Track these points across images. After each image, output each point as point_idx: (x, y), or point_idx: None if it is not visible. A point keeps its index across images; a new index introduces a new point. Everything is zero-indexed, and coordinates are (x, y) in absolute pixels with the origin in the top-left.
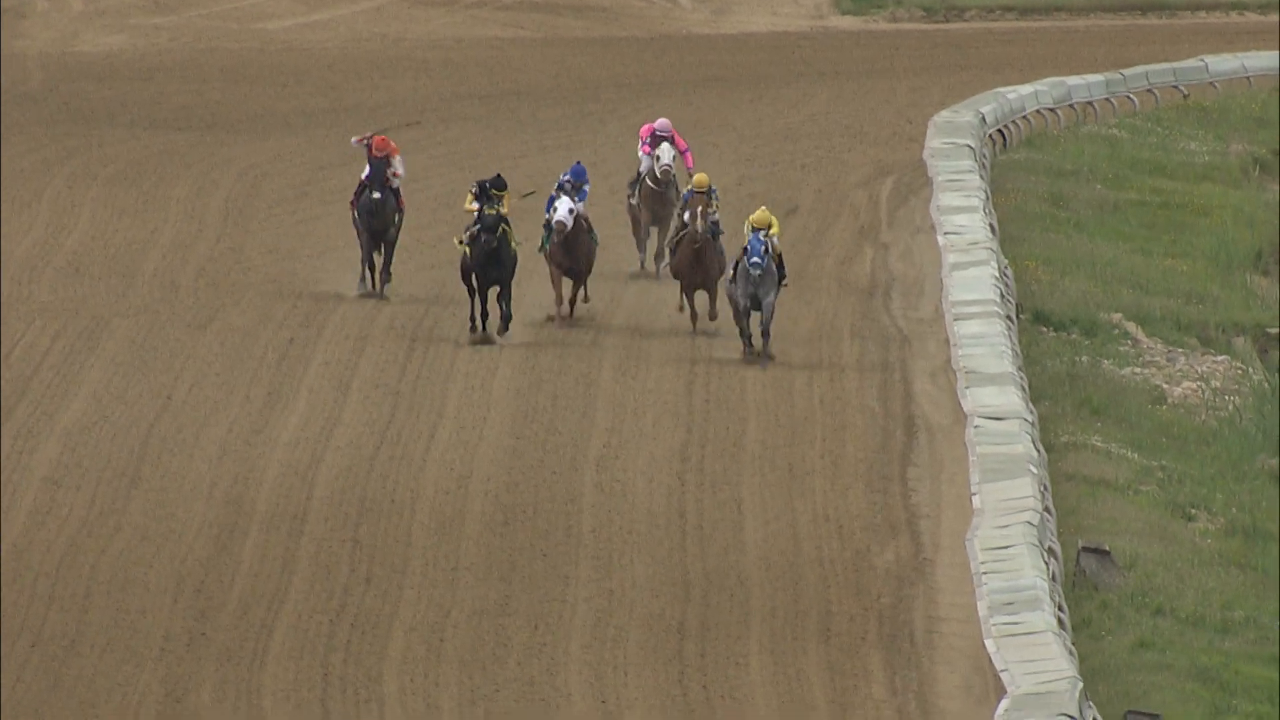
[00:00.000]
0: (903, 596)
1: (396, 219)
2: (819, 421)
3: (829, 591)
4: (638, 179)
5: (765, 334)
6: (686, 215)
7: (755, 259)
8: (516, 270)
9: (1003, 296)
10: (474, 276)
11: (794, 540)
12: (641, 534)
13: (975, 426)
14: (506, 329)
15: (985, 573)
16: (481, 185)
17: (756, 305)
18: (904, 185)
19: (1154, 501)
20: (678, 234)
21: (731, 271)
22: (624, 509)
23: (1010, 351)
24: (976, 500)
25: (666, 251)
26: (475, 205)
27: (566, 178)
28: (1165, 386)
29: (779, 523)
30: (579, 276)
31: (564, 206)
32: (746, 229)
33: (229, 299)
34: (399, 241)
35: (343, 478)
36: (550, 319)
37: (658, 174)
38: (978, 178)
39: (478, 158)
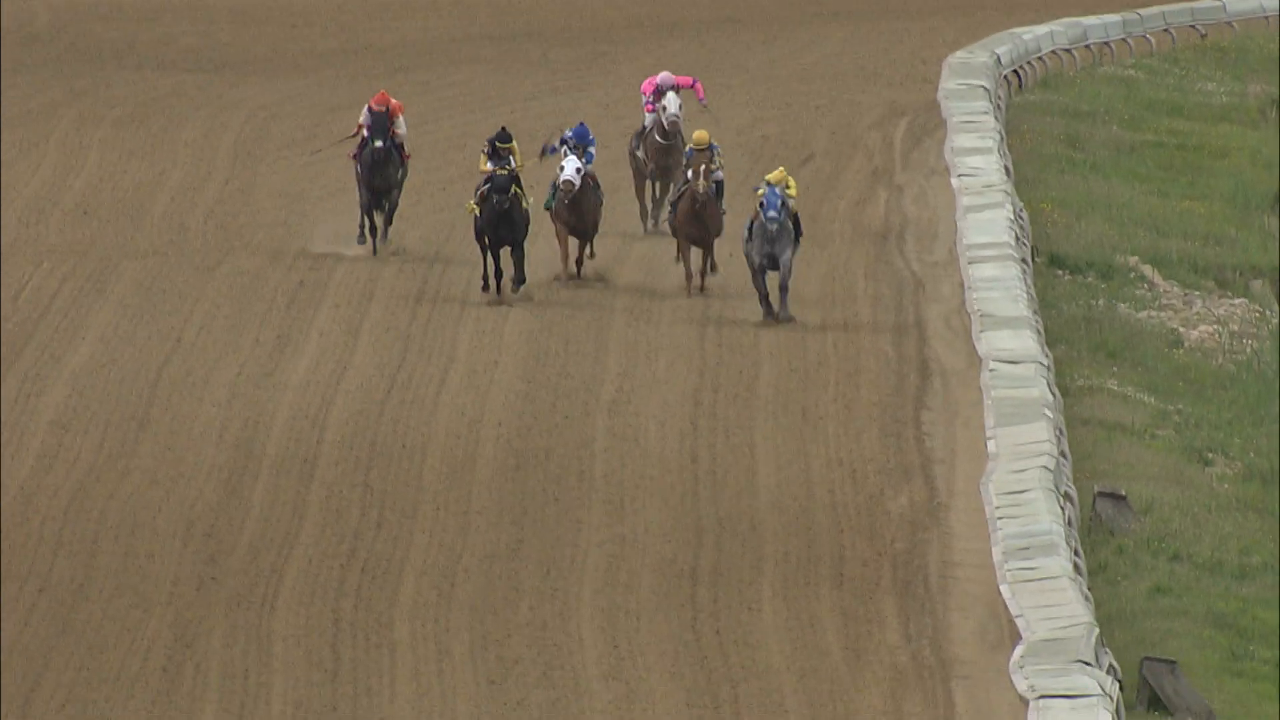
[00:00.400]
0: (917, 541)
1: (400, 176)
2: (832, 366)
3: (842, 536)
4: (642, 132)
5: (784, 290)
6: (690, 173)
7: (772, 213)
8: (529, 229)
9: (1018, 239)
10: (486, 237)
11: (807, 485)
12: (654, 479)
13: (990, 370)
14: (518, 289)
15: (1000, 518)
16: (492, 143)
17: (774, 264)
18: (918, 127)
19: (1170, 446)
20: (679, 191)
21: (746, 230)
22: (636, 453)
23: (1025, 295)
24: (991, 444)
25: (667, 205)
26: (489, 166)
27: (569, 135)
28: (1182, 330)
29: (792, 468)
30: (585, 235)
31: (570, 165)
32: (762, 186)
33: (238, 241)
34: (401, 203)
35: (353, 421)
36: (557, 278)
37: (665, 125)
38: (993, 119)
39: (488, 100)
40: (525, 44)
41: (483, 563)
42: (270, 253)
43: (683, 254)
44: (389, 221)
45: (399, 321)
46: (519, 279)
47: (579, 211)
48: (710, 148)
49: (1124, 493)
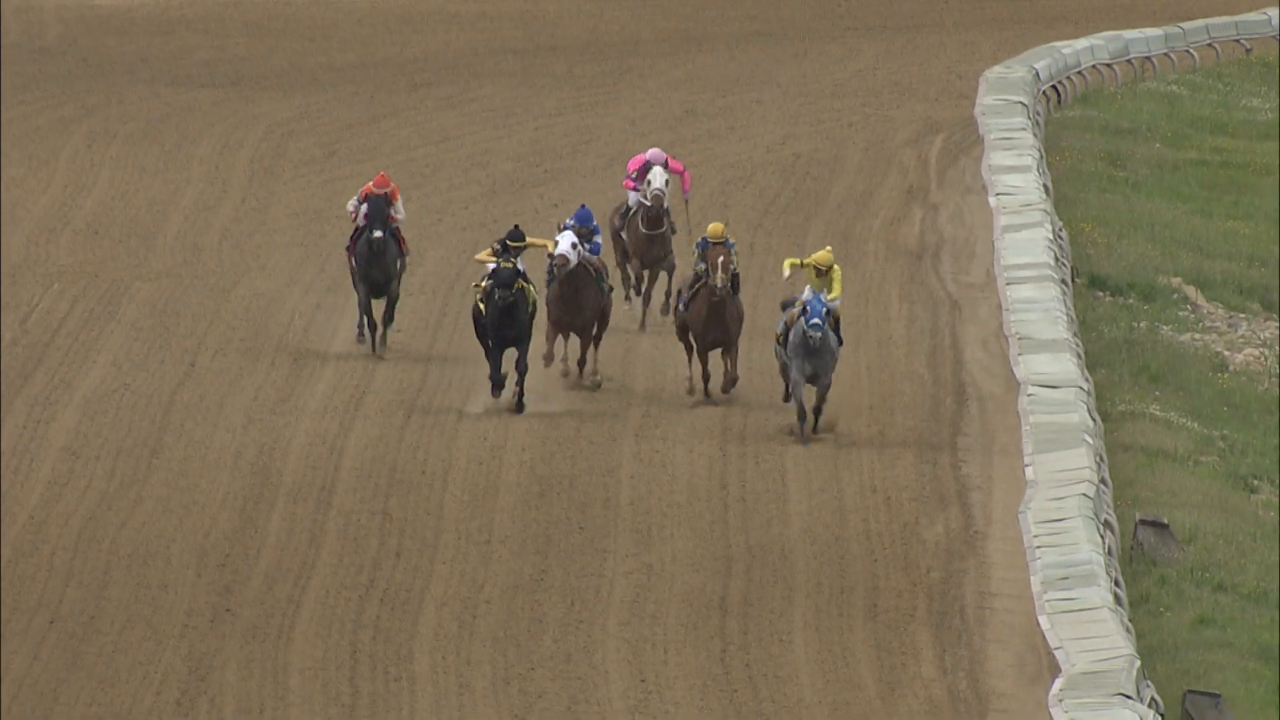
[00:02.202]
0: (953, 571)
1: (399, 266)
2: (866, 390)
3: (876, 566)
4: (626, 212)
5: (819, 412)
6: (699, 265)
7: (815, 320)
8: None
9: (1057, 260)
10: (489, 337)
11: (840, 513)
12: (682, 506)
13: (1028, 395)
14: (521, 404)
15: (1039, 547)
16: (504, 243)
17: (812, 379)
18: (954, 144)
19: (1214, 472)
20: (693, 285)
21: (780, 337)
22: (664, 480)
23: (1065, 317)
24: (1030, 471)
25: (674, 306)
26: (490, 257)
27: (570, 222)
28: (1226, 353)
29: (824, 495)
30: (583, 333)
31: (566, 240)
32: (807, 273)
33: (254, 262)
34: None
35: (372, 448)
36: (547, 358)
37: (648, 201)
38: (1031, 136)
39: (512, 115)
40: (550, 58)
41: (505, 593)
42: (287, 274)
43: (700, 359)
44: (390, 318)
45: (419, 345)
46: (519, 397)
47: (573, 305)
48: (726, 241)
49: (1166, 521)
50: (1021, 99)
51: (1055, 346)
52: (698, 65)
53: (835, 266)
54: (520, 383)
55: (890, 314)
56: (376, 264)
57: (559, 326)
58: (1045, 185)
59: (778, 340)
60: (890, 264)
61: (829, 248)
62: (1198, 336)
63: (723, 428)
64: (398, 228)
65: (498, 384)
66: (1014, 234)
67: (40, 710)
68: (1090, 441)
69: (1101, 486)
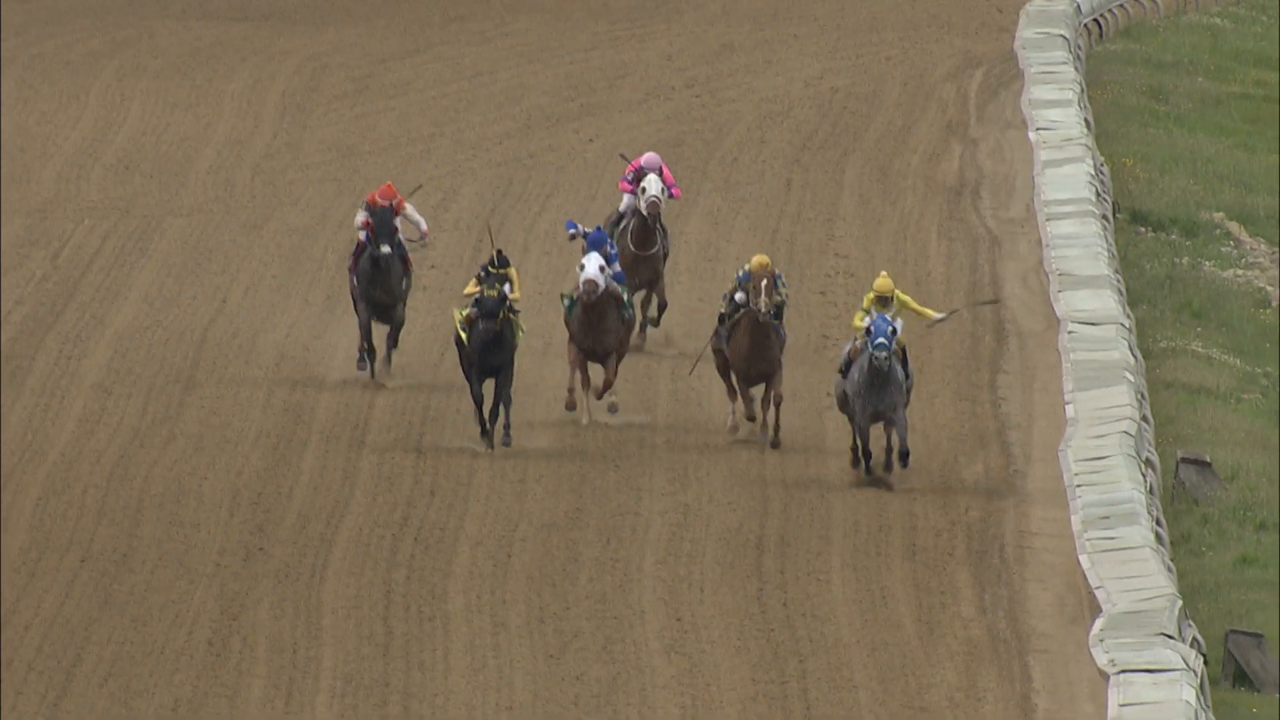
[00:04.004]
0: (992, 510)
1: (404, 287)
2: (905, 327)
3: (915, 505)
4: (618, 221)
5: (905, 455)
6: (739, 295)
7: (880, 340)
8: (516, 359)
9: (1098, 195)
10: (473, 368)
11: (878, 452)
12: (718, 445)
13: (1069, 332)
14: (508, 434)
15: (1079, 485)
16: (485, 269)
17: (880, 417)
18: (994, 78)
19: (1257, 410)
20: (734, 314)
21: (842, 368)
22: (700, 419)
23: (1106, 253)
24: (1070, 409)
25: (712, 339)
26: (476, 288)
27: (573, 229)
28: (1269, 289)
29: None
30: (605, 359)
31: (593, 263)
32: (867, 303)
33: (286, 198)
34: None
35: (406, 385)
36: (569, 408)
37: (643, 210)
38: (1072, 70)
39: (546, 50)
40: None
41: (540, 532)
42: (320, 210)
43: (742, 394)
44: (394, 343)
45: (452, 280)
46: (506, 425)
47: (597, 330)
48: (771, 272)
49: (1208, 459)
50: (1062, 32)
51: (1096, 283)
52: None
53: (897, 292)
54: (506, 415)
55: (929, 251)
56: (380, 284)
57: (582, 351)
58: (1086, 120)
59: (839, 371)
60: (929, 200)
61: (885, 273)
62: (1240, 272)
63: None
64: (404, 247)
65: (482, 420)
66: (1054, 169)
67: (72, 649)
68: (1131, 379)
69: (1143, 424)
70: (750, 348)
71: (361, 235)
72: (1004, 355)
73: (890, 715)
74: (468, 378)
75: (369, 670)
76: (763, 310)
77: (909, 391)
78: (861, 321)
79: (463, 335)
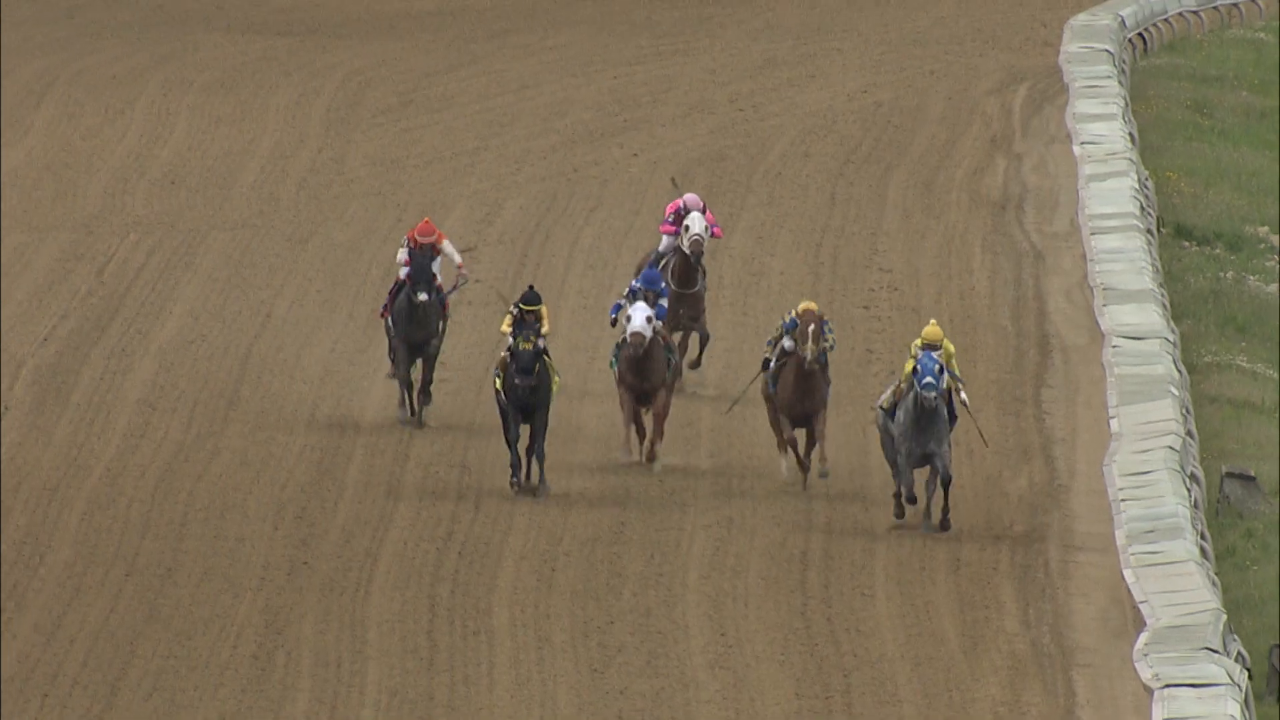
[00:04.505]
0: (1036, 524)
1: (441, 327)
2: (949, 342)
3: (959, 519)
4: (655, 262)
5: (946, 486)
6: (787, 343)
7: (929, 379)
8: (552, 406)
9: (1142, 209)
10: (508, 417)
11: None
12: (762, 459)
13: (1113, 346)
14: (544, 482)
15: (1124, 500)
16: (518, 306)
17: (928, 460)
18: (1038, 92)
19: None
20: (779, 361)
21: (885, 409)
22: (744, 433)
23: (1150, 267)
24: (1114, 423)
25: (761, 387)
26: (510, 331)
27: (637, 284)
28: None
29: None
30: (654, 395)
31: (640, 314)
32: (914, 349)
33: (331, 212)
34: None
35: (451, 400)
36: (624, 456)
37: (686, 248)
38: (1116, 84)
39: (590, 64)
40: (629, 5)
41: (584, 546)
42: (364, 224)
43: (789, 440)
44: (429, 379)
45: (497, 296)
46: (540, 476)
47: (645, 371)
48: (818, 318)
49: (1253, 473)
50: (1107, 46)
51: (1140, 297)
52: (777, 13)
53: (945, 341)
54: (540, 466)
55: (973, 265)
56: (419, 324)
57: (630, 391)
58: (1131, 134)
59: (883, 409)
60: (973, 214)
61: (934, 321)
62: None
63: None
64: (440, 286)
65: (516, 468)
66: (1099, 183)
67: (117, 662)
68: (1176, 393)
69: (1187, 439)
70: (795, 388)
71: (402, 273)
72: (1048, 370)
73: None
74: (504, 424)
75: (413, 684)
76: (809, 358)
77: (950, 431)
78: (910, 365)
79: (498, 384)
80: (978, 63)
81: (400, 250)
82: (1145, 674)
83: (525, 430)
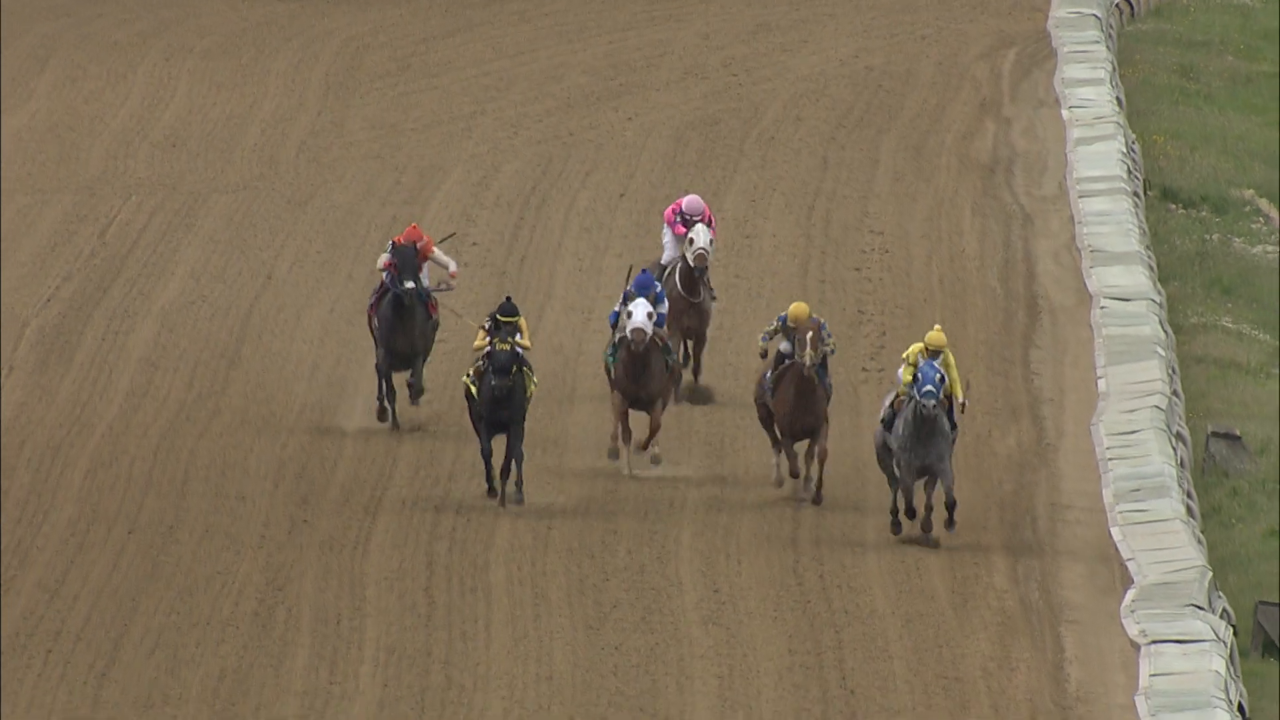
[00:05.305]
0: (1025, 483)
1: (427, 338)
2: (938, 302)
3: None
4: (661, 272)
5: (952, 506)
6: (784, 345)
7: (928, 388)
8: (527, 413)
9: (1129, 172)
10: (482, 421)
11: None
12: (755, 418)
13: (1101, 307)
14: (520, 491)
15: (1111, 459)
16: (494, 317)
17: (928, 471)
18: (1027, 57)
19: None
20: (779, 367)
21: (885, 419)
22: (736, 392)
23: (1137, 229)
24: (1102, 384)
25: (760, 390)
26: (485, 341)
27: (631, 289)
28: None
29: None
30: (649, 406)
31: (641, 311)
32: (912, 355)
33: (330, 175)
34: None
35: (449, 359)
36: (612, 456)
37: (690, 261)
38: (1104, 49)
39: (584, 30)
40: None
41: (580, 504)
42: (363, 186)
43: (786, 450)
44: (419, 387)
45: (495, 257)
46: (519, 481)
47: (641, 377)
48: (816, 322)
49: (1238, 433)
50: (1095, 12)
51: (1127, 259)
52: None
53: (947, 350)
54: (519, 472)
55: (962, 228)
56: (402, 328)
57: (625, 397)
58: (1118, 98)
59: (881, 422)
60: (963, 178)
61: (938, 326)
62: (1270, 249)
63: None
64: (427, 288)
65: (495, 481)
66: (1086, 147)
67: (120, 619)
68: (1162, 354)
69: (1174, 398)
70: (795, 402)
71: (384, 276)
72: (1036, 330)
73: (924, 685)
74: (477, 432)
75: (411, 640)
76: (808, 364)
77: (953, 443)
78: (905, 372)
79: (472, 389)
80: (967, 28)
81: (382, 255)
82: (1132, 630)
83: (500, 444)
